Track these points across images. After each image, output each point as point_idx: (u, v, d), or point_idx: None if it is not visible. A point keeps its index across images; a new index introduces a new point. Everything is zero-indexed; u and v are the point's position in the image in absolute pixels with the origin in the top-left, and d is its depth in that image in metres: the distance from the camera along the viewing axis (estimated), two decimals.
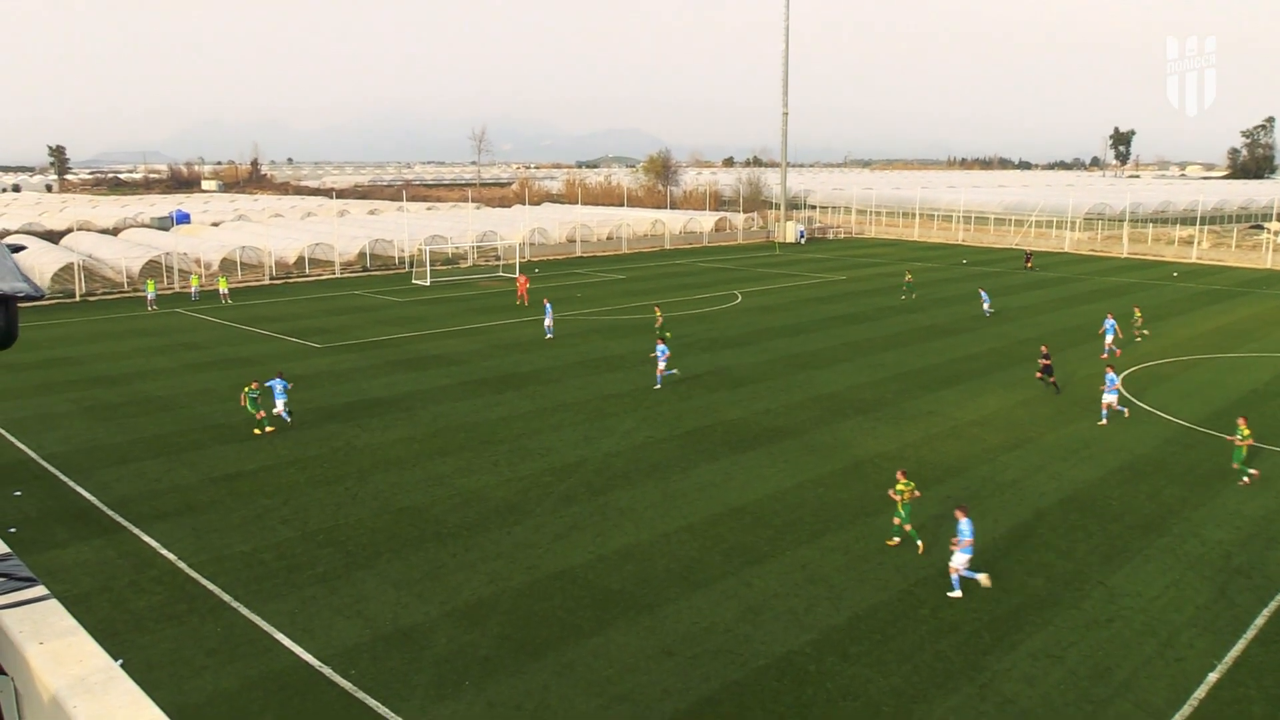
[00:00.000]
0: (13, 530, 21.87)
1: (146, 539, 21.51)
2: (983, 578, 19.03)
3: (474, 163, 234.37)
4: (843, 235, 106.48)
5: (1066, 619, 17.87)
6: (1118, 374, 31.75)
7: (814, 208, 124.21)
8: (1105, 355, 39.34)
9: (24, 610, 2.06)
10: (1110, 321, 40.81)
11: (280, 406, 30.00)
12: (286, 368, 37.69)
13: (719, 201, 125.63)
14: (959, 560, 18.83)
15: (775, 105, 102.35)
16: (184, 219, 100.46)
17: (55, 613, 2.05)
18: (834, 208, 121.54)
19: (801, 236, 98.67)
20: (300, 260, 71.69)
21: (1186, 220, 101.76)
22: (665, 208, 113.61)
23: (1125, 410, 31.52)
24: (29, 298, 2.16)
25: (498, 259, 76.70)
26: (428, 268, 66.43)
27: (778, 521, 22.52)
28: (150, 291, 55.57)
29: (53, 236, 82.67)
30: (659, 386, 35.13)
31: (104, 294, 60.70)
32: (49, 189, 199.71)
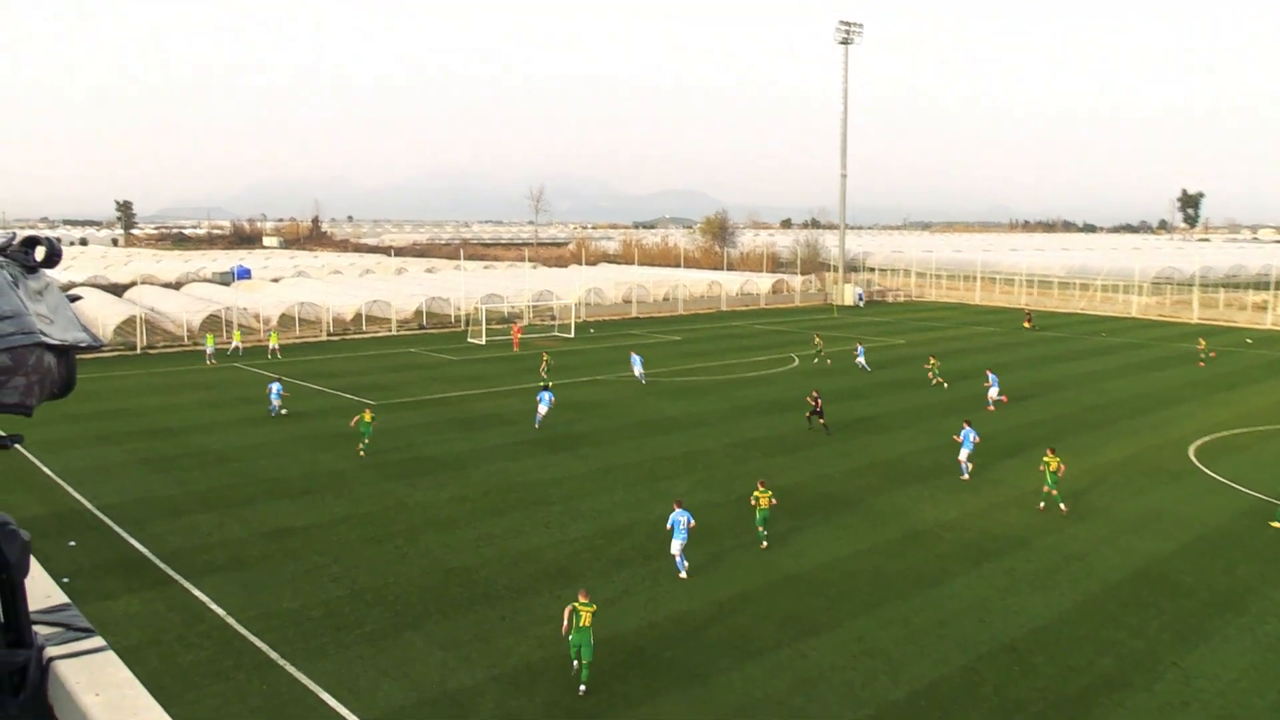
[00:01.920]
0: (65, 580, 22.23)
1: (196, 593, 21.73)
2: (684, 575, 22.50)
3: (531, 222, 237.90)
4: (902, 298, 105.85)
5: (1138, 702, 17.24)
6: (976, 429, 32.25)
7: (872, 270, 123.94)
8: (991, 408, 42.15)
9: (81, 661, 2.07)
10: (993, 376, 43.72)
11: (276, 403, 40.58)
12: (340, 424, 38.26)
13: (776, 263, 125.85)
14: (675, 545, 22.59)
15: (834, 167, 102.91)
16: (245, 274, 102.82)
17: (112, 664, 2.07)
18: (893, 270, 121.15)
19: (860, 299, 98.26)
20: (358, 317, 72.91)
21: (1260, 285, 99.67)
22: (722, 269, 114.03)
23: (966, 472, 31.49)
24: (89, 348, 2.20)
25: (553, 319, 77.35)
26: (483, 326, 67.18)
27: (834, 591, 22.14)
28: (209, 345, 56.81)
29: (117, 289, 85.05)
30: (538, 427, 38.10)
31: (164, 347, 62.16)
32: (115, 243, 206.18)
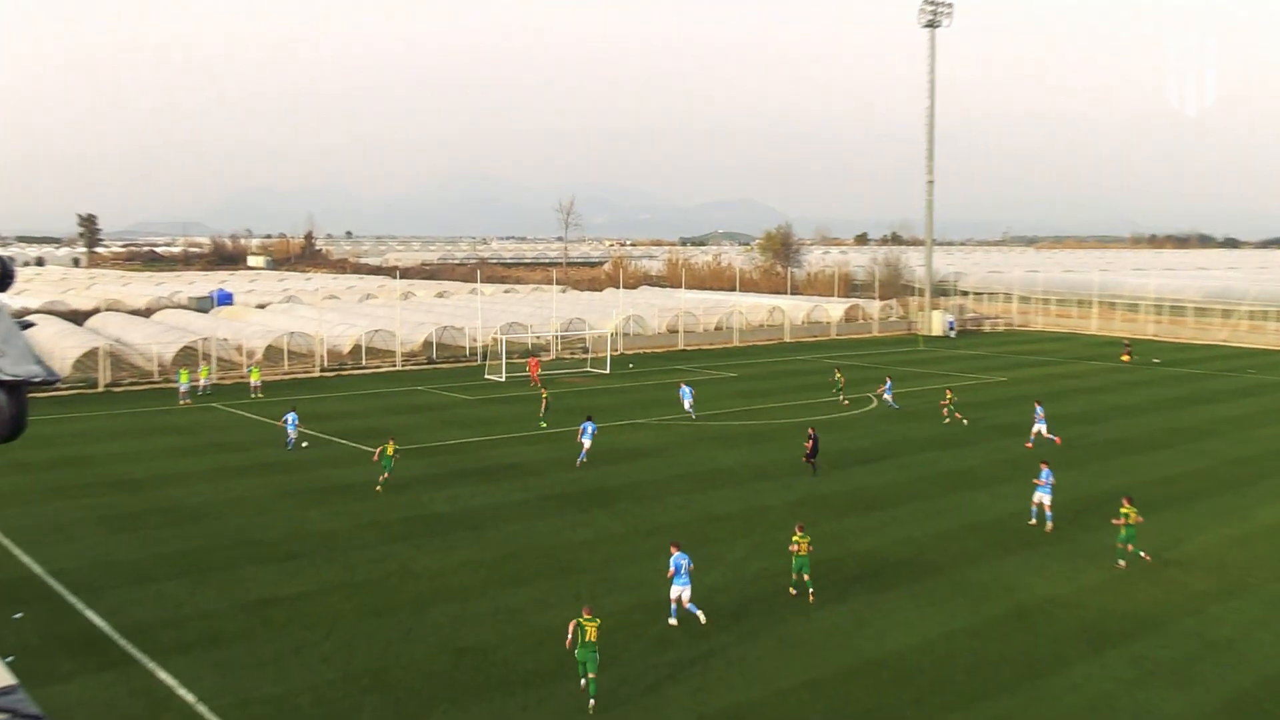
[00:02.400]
0: (10, 659, 22.41)
1: (162, 675, 21.80)
2: (701, 615, 24.09)
3: (560, 238, 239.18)
4: (1002, 327, 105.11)
5: None
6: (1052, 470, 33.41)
7: (966, 294, 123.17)
8: (1030, 444, 44.48)
9: None
10: (1040, 408, 45.66)
11: (292, 434, 43.86)
12: (334, 474, 38.61)
13: (850, 286, 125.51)
14: (674, 591, 24.41)
15: (918, 171, 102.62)
16: (226, 300, 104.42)
17: None
18: (990, 294, 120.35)
19: (951, 328, 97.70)
20: (356, 349, 73.57)
21: None
22: (785, 293, 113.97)
23: (1045, 520, 32.62)
24: (44, 383, 2.17)
25: (585, 351, 77.53)
26: (503, 361, 67.43)
27: (923, 680, 21.80)
28: (183, 383, 57.48)
29: (77, 317, 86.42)
30: (581, 464, 40.64)
31: (131, 384, 63.04)
32: (76, 263, 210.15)
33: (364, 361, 72.06)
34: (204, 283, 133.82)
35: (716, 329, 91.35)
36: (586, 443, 40.91)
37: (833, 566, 28.91)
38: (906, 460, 42.58)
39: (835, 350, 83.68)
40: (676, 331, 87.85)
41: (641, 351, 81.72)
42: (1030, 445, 44.56)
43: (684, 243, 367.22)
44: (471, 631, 24.33)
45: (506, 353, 68.40)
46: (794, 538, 26.65)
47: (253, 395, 58.60)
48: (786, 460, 42.20)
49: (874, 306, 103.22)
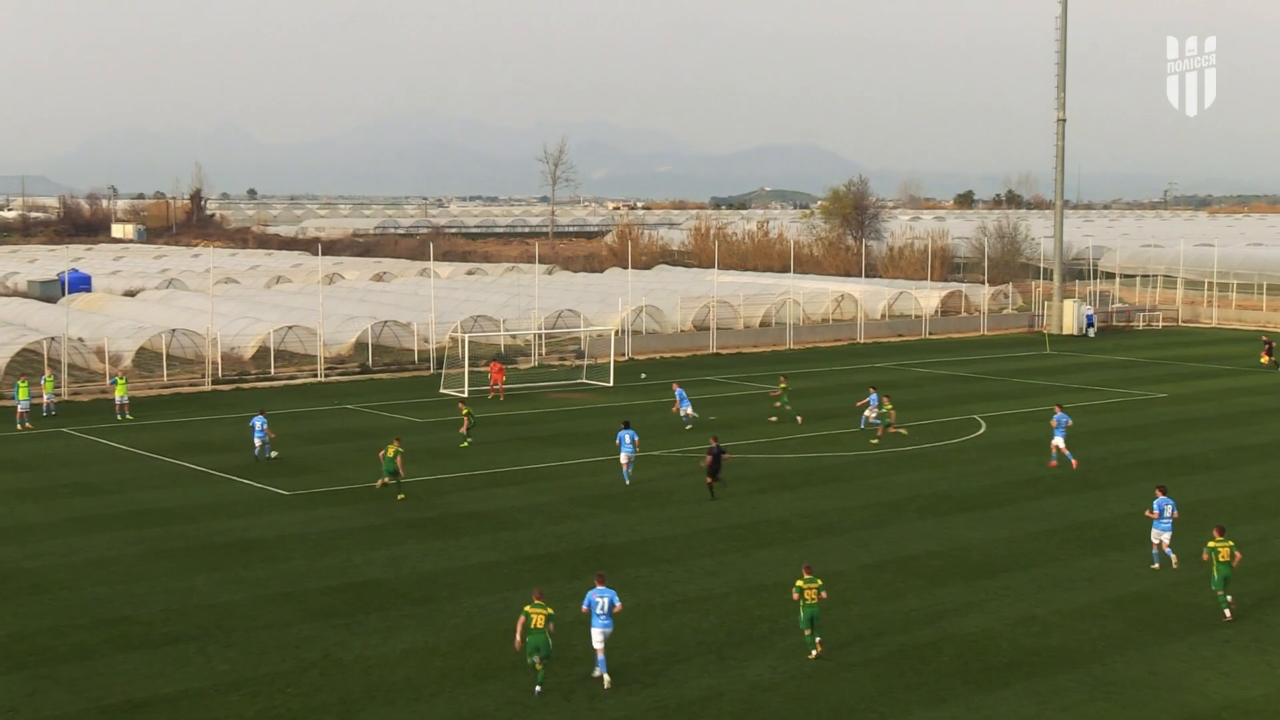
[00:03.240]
0: None
1: None
2: (606, 679, 26.34)
3: (545, 199, 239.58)
4: (1161, 322, 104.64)
5: None
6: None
7: (1111, 276, 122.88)
8: (1054, 463, 48.12)
9: None
10: (1060, 416, 48.57)
11: (258, 444, 49.12)
12: (231, 526, 38.50)
13: (949, 265, 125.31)
14: (596, 638, 26.54)
15: (1043, 108, 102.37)
16: (81, 284, 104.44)
17: None
18: (1146, 276, 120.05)
19: (1090, 324, 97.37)
20: (263, 353, 73.46)
21: None
22: (858, 275, 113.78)
23: (1168, 560, 34.86)
24: None
25: (580, 356, 77.32)
26: (466, 369, 67.29)
27: None
28: (21, 400, 57.34)
29: None
30: (629, 482, 44.78)
31: None
32: None
33: (273, 370, 72.12)
34: (50, 260, 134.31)
35: (763, 325, 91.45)
36: (627, 456, 44.47)
37: (925, 655, 28.79)
38: (1025, 508, 42.39)
39: (928, 355, 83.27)
40: (706, 329, 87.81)
41: (658, 356, 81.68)
42: (1054, 464, 48.09)
43: (717, 205, 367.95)
44: None
45: (471, 358, 68.28)
46: (800, 582, 28.14)
47: (118, 416, 58.67)
48: (861, 507, 42.14)
49: (982, 294, 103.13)
